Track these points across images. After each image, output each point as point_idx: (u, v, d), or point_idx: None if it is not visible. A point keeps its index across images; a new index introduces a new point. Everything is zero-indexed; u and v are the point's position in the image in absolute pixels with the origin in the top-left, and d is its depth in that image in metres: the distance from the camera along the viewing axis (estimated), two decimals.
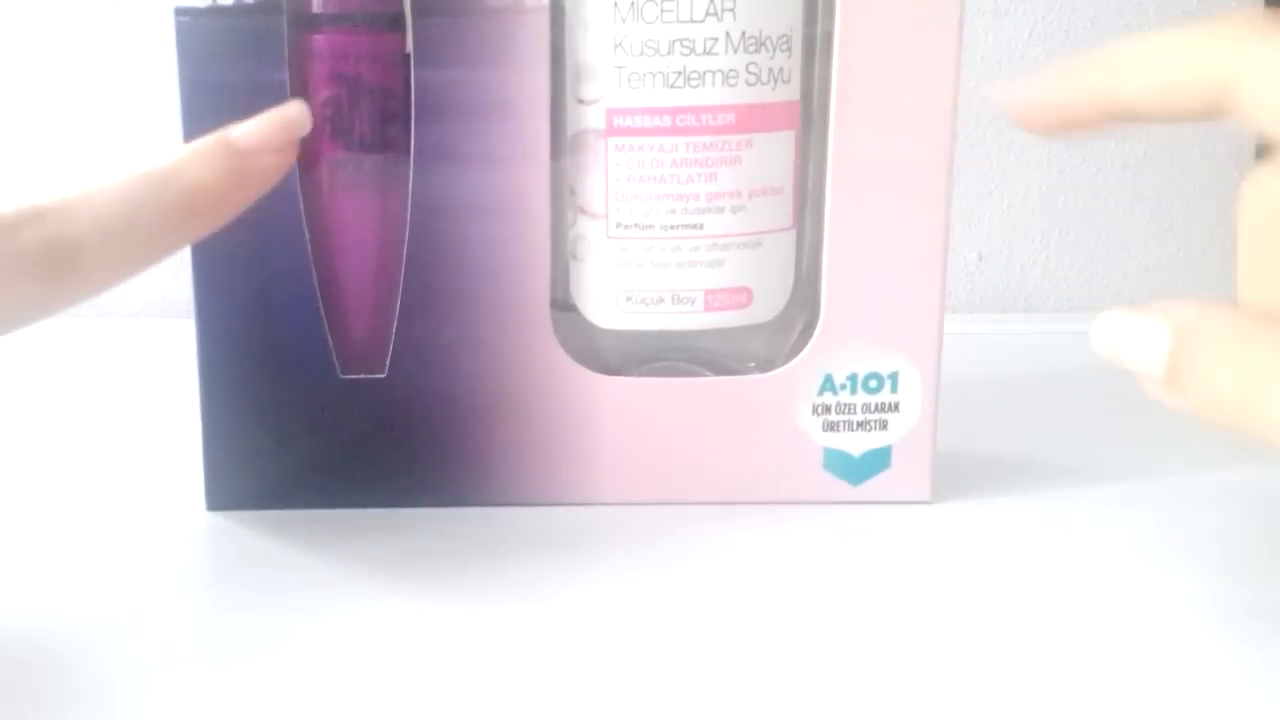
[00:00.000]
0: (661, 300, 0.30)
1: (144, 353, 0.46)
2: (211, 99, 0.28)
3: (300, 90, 0.29)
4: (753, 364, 0.31)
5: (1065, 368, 0.46)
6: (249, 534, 0.30)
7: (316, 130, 0.29)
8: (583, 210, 0.30)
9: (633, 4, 0.28)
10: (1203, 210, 0.61)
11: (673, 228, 0.30)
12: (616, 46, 0.29)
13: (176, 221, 0.24)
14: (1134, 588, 0.27)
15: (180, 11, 0.28)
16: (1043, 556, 0.29)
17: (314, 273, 0.29)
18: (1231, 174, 0.62)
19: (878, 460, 0.31)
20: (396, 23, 0.29)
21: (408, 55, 0.29)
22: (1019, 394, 0.42)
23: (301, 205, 0.29)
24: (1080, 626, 0.26)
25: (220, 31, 0.28)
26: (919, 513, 0.31)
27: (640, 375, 0.31)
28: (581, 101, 0.29)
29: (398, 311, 0.30)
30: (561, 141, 0.30)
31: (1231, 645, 0.25)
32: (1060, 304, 0.61)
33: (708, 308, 0.30)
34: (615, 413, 0.31)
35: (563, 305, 0.31)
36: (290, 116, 0.26)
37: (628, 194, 0.30)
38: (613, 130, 0.29)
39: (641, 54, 0.29)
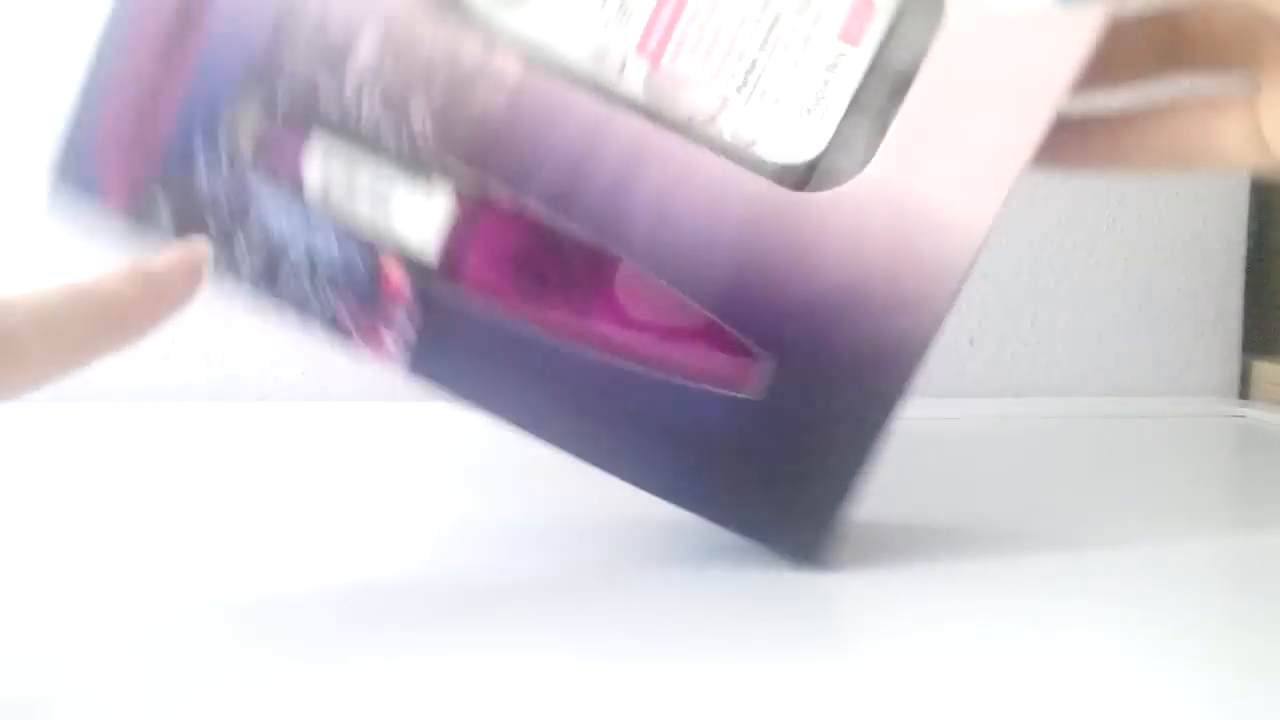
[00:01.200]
0: None
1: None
2: None
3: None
4: None
5: (1054, 449, 0.48)
6: None
7: (529, 293, 0.29)
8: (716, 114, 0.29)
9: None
10: (1194, 297, 0.63)
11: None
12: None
13: (99, 328, 0.26)
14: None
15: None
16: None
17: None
18: (1222, 260, 0.63)
19: None
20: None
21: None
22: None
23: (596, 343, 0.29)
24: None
25: None
26: None
27: None
28: (622, 74, 0.29)
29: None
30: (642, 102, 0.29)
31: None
32: (1051, 388, 0.62)
33: None
34: None
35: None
36: (194, 247, 0.28)
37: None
38: (659, 57, 0.29)
39: None
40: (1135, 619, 0.26)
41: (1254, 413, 0.57)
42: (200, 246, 0.28)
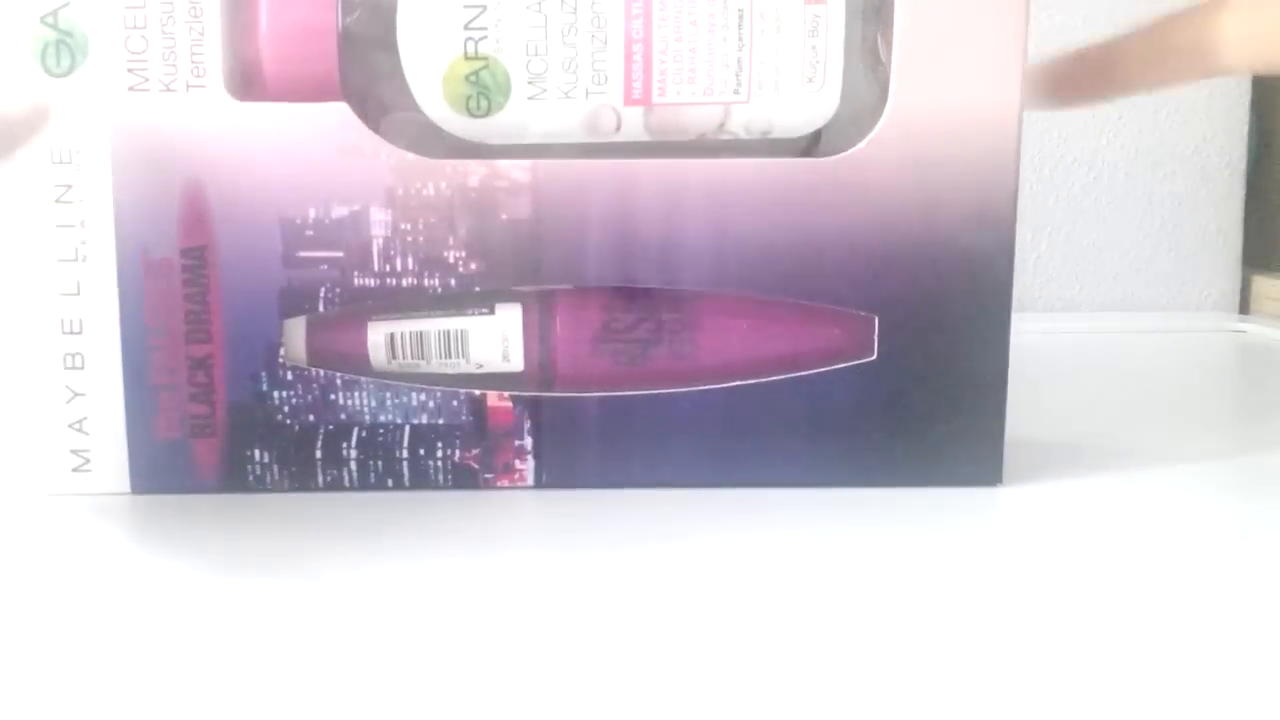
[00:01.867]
0: None
1: None
2: None
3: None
4: None
5: (1058, 366, 0.47)
6: None
7: (627, 363, 0.30)
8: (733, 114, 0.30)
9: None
10: (1194, 210, 0.62)
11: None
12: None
13: None
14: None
15: None
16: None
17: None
18: (1223, 174, 0.62)
19: None
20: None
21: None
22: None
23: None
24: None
25: None
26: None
27: None
28: (619, 130, 0.30)
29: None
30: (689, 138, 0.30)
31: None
32: (1050, 304, 0.62)
33: None
34: None
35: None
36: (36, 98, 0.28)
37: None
38: (648, 99, 0.29)
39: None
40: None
41: (1254, 327, 0.57)
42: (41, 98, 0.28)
